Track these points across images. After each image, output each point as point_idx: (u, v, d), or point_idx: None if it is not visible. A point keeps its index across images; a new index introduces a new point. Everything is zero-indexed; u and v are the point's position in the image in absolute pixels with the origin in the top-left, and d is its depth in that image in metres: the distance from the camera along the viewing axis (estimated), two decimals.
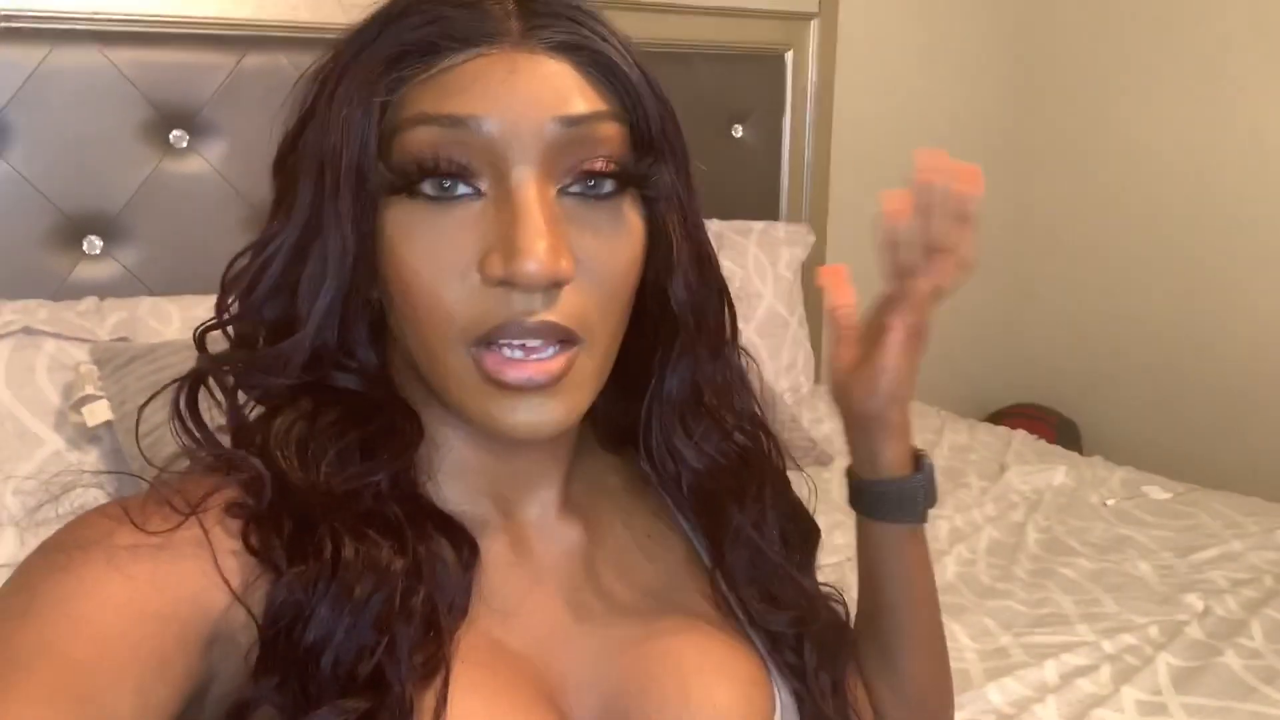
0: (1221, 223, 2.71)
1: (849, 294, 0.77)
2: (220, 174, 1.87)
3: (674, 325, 0.65)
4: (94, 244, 1.80)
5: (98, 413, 1.52)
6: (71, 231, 1.78)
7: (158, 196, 1.83)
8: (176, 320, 1.75)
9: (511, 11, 0.56)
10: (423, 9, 0.56)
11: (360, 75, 0.56)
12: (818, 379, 2.63)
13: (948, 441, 2.33)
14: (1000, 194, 3.19)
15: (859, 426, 0.74)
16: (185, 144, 1.85)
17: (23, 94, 1.70)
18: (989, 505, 2.00)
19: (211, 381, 0.61)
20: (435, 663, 0.55)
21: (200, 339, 0.62)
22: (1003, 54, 3.10)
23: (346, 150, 0.55)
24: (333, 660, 0.52)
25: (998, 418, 2.91)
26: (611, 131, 0.57)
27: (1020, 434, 2.43)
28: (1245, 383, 2.70)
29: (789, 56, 2.60)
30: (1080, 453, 2.43)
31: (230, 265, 0.61)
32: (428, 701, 0.54)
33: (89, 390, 1.54)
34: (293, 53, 1.90)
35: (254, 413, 0.61)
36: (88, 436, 1.57)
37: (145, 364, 1.57)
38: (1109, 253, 2.98)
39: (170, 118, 1.84)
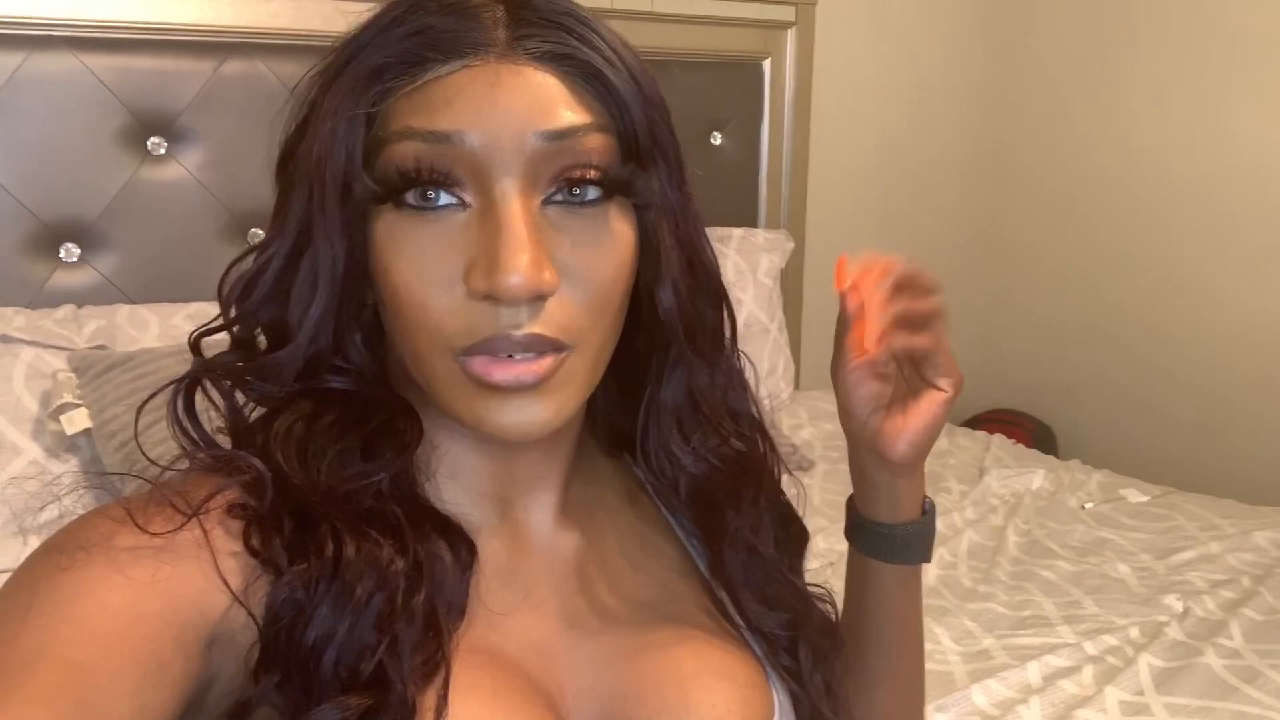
0: (1194, 228, 2.74)
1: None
2: (198, 181, 1.86)
3: (663, 332, 0.65)
4: (71, 251, 1.78)
5: (76, 421, 1.51)
6: (48, 239, 1.76)
7: (135, 204, 1.82)
8: (155, 328, 1.73)
9: (500, 19, 0.56)
10: (412, 18, 0.56)
11: (346, 87, 0.56)
12: (798, 385, 2.64)
13: None
14: (975, 203, 3.22)
15: (884, 470, 0.72)
16: (163, 151, 1.83)
17: None
18: (969, 509, 2.01)
19: (209, 384, 0.61)
20: (435, 663, 0.55)
21: (195, 343, 0.62)
22: (978, 62, 3.12)
23: (331, 162, 0.55)
24: (334, 659, 0.52)
25: (974, 423, 2.93)
26: (596, 143, 0.56)
27: (998, 438, 2.45)
28: (1219, 387, 2.73)
29: (767, 65, 2.61)
30: (1057, 457, 2.45)
31: (229, 268, 0.61)
32: (428, 701, 0.54)
33: (67, 398, 1.53)
34: (272, 59, 1.89)
35: (254, 413, 0.61)
36: (66, 445, 1.55)
37: (124, 372, 1.55)
38: (1083, 260, 3.01)
39: (148, 124, 1.82)
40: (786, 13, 2.60)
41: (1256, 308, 2.64)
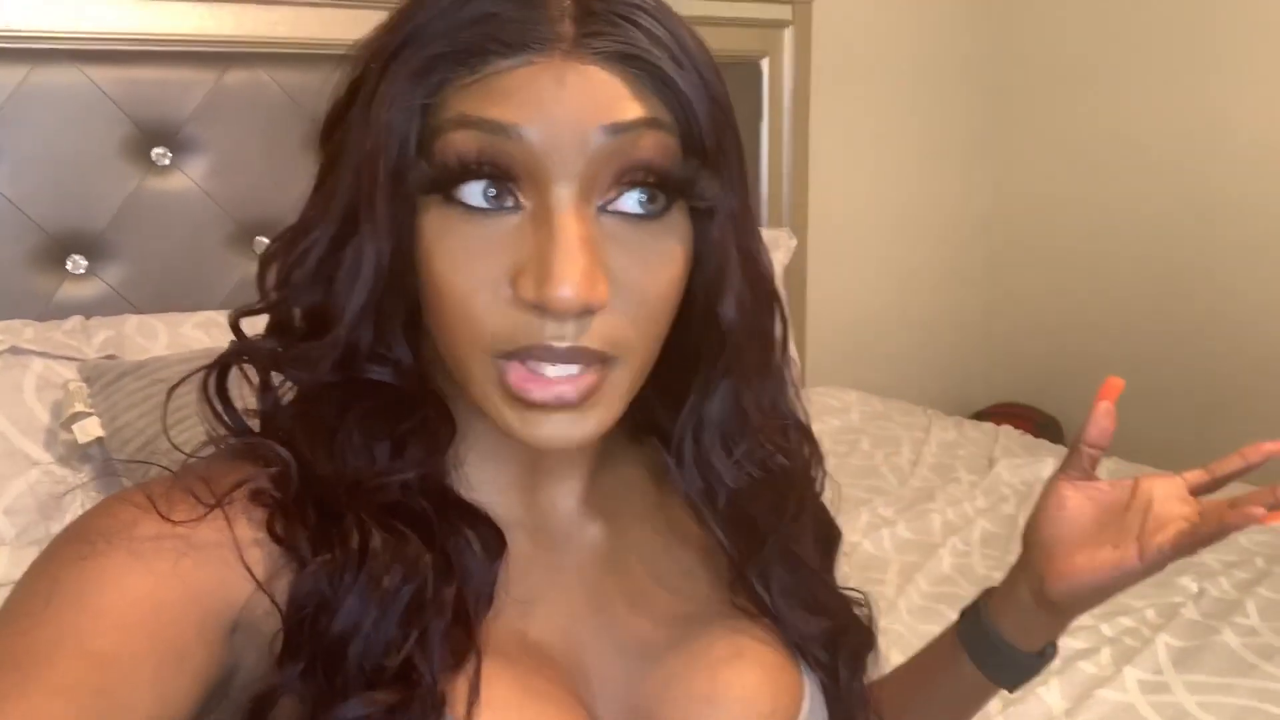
0: (1197, 218, 2.74)
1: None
2: (203, 190, 1.87)
3: (719, 344, 0.62)
4: (78, 263, 1.78)
5: (89, 430, 1.51)
6: (55, 251, 1.77)
7: (141, 214, 1.82)
8: (164, 337, 1.73)
9: (568, 11, 0.53)
10: (475, 2, 0.53)
11: (401, 75, 0.53)
12: (803, 382, 2.64)
13: (935, 438, 2.34)
14: (976, 196, 3.22)
15: (1031, 593, 0.74)
16: (168, 161, 1.84)
17: (3, 114, 1.69)
18: (980, 498, 2.01)
19: (245, 366, 0.60)
20: (465, 652, 0.54)
21: (235, 322, 0.61)
22: (977, 57, 3.13)
23: (385, 155, 0.53)
24: (360, 651, 0.52)
25: (980, 417, 2.93)
26: (657, 140, 0.54)
27: (1006, 429, 2.45)
28: (1222, 374, 2.73)
29: (764, 64, 2.61)
30: (1064, 448, 2.45)
31: (269, 246, 0.60)
32: (459, 691, 0.53)
33: (79, 408, 1.53)
34: (273, 68, 1.90)
35: (287, 395, 0.60)
36: (79, 454, 1.55)
37: (135, 380, 1.55)
38: (1086, 252, 3.01)
39: (152, 135, 1.82)
40: (783, 12, 2.61)
41: (1257, 294, 2.64)
